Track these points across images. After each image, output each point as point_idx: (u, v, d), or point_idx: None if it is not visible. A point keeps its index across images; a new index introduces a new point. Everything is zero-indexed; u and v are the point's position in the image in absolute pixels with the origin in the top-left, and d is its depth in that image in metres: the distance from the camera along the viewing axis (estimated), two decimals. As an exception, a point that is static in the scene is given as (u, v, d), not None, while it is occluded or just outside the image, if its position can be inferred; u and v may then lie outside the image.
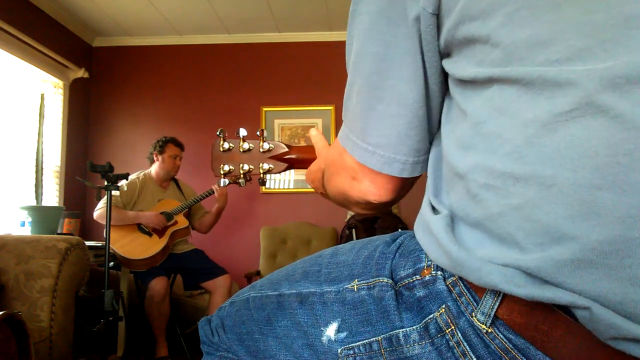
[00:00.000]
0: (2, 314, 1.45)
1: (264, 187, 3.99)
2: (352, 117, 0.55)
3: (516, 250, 0.40)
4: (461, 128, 0.46)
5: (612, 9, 0.36)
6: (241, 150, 0.87)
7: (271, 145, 0.87)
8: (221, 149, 0.88)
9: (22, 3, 3.30)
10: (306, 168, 0.83)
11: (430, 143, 0.55)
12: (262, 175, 0.88)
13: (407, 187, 0.58)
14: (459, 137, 0.47)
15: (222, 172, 0.88)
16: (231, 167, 0.88)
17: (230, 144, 0.88)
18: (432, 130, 0.54)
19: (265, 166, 0.87)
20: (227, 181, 0.89)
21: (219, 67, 4.12)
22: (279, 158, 0.87)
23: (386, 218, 3.54)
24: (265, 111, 4.05)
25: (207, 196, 3.18)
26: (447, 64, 0.49)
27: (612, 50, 0.36)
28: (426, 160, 0.55)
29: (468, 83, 0.46)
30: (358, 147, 0.54)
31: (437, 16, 0.47)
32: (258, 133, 0.88)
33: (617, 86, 0.35)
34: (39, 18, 3.46)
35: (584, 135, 0.36)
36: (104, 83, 4.15)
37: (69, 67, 3.73)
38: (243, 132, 0.87)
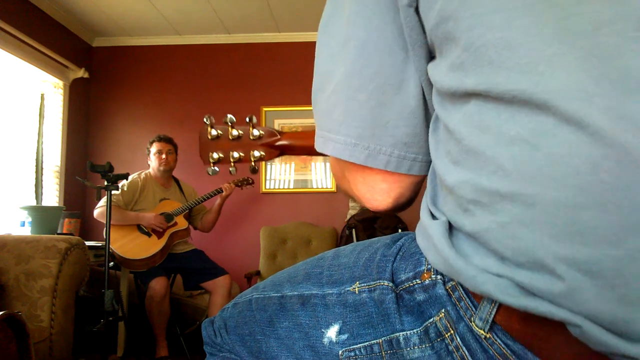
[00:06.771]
0: (2, 314, 1.45)
1: (263, 187, 3.99)
2: (327, 112, 0.52)
3: (509, 264, 0.39)
4: (446, 142, 0.46)
5: (583, 16, 0.36)
6: (230, 137, 0.83)
7: (262, 132, 0.82)
8: (209, 137, 0.84)
9: (22, 3, 3.30)
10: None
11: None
12: (253, 163, 0.84)
13: (409, 190, 0.55)
14: (445, 151, 0.46)
15: (211, 160, 0.84)
16: (221, 155, 0.84)
17: (219, 131, 0.84)
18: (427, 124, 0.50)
19: (257, 153, 0.83)
20: (217, 170, 0.85)
21: (218, 67, 4.12)
22: (271, 145, 0.83)
23: (386, 218, 3.54)
24: (265, 111, 4.05)
25: (213, 195, 3.19)
26: (430, 69, 0.48)
27: (583, 58, 0.35)
28: (419, 161, 0.52)
29: (446, 96, 0.45)
30: (337, 142, 0.51)
31: (417, 12, 0.46)
32: (247, 119, 0.84)
33: (593, 103, 0.34)
34: (39, 18, 3.46)
35: (565, 153, 0.35)
36: (103, 83, 4.15)
37: (69, 67, 3.73)
38: (231, 118, 0.83)
